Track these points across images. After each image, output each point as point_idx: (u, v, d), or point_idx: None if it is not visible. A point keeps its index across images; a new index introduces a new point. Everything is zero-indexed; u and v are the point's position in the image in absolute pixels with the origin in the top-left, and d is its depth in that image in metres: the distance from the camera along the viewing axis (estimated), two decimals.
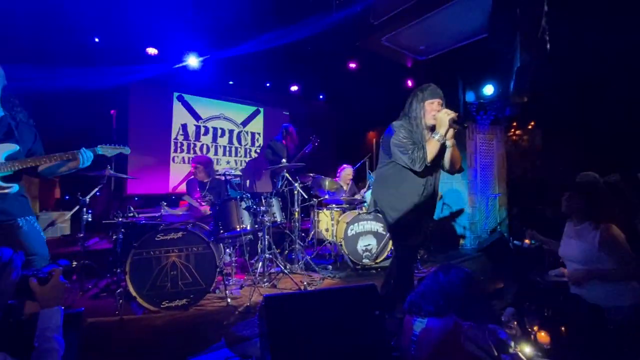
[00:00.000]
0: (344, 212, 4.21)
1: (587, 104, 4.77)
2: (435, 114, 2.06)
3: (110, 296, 2.82)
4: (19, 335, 1.18)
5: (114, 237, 2.83)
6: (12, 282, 1.17)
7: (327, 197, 4.27)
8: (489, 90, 5.04)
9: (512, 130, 6.52)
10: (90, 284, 2.88)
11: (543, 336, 1.73)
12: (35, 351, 1.13)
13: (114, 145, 2.07)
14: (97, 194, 3.09)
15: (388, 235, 3.86)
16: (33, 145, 1.88)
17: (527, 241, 4.76)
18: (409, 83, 5.81)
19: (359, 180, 4.93)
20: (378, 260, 3.82)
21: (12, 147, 1.76)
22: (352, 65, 5.66)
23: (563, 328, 1.80)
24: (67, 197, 4.62)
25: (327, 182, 4.27)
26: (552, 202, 5.40)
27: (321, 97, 6.92)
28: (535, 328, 1.73)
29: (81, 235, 2.85)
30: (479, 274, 2.32)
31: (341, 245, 3.79)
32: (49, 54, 4.31)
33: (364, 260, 3.77)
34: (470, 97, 5.14)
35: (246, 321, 2.35)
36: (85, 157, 1.88)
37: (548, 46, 3.83)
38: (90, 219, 2.89)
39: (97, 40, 4.50)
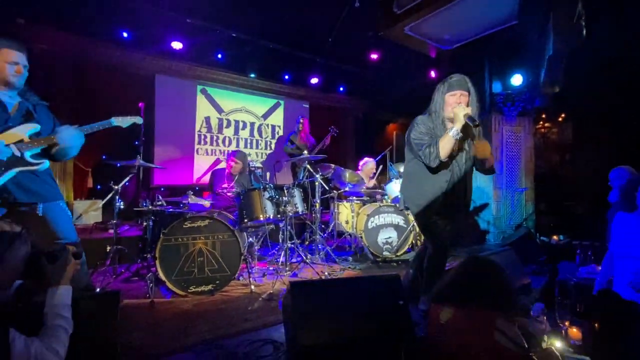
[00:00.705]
0: (364, 204, 4.20)
1: (623, 95, 4.51)
2: (454, 108, 1.99)
3: (141, 280, 2.96)
4: (30, 313, 1.19)
5: (144, 224, 2.96)
6: (21, 257, 1.16)
7: (347, 189, 4.26)
8: (517, 80, 4.83)
9: (541, 122, 6.26)
10: (123, 268, 3.03)
11: (575, 332, 1.68)
12: (44, 328, 1.14)
13: (127, 115, 2.12)
14: (127, 184, 3.22)
15: (409, 228, 3.83)
16: (53, 129, 1.95)
17: (555, 237, 4.61)
18: (432, 74, 5.67)
19: (379, 173, 4.90)
20: (399, 253, 3.80)
21: (34, 127, 1.85)
22: (374, 56, 5.57)
23: (596, 324, 1.74)
24: (98, 187, 4.85)
25: (347, 174, 4.26)
26: (582, 198, 5.18)
27: (341, 89, 6.87)
28: (567, 323, 1.68)
29: (114, 222, 2.99)
30: (505, 268, 2.27)
31: (361, 237, 3.79)
32: (83, 46, 4.51)
33: (384, 253, 3.76)
34: (497, 87, 4.96)
35: (270, 307, 2.41)
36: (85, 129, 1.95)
37: (584, 32, 3.63)
38: (122, 207, 3.02)
39: (125, 35, 4.65)
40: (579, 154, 5.81)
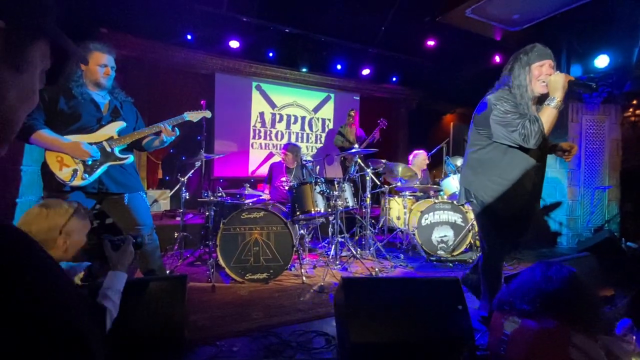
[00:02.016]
0: (417, 200, 4.04)
1: None
2: (546, 79, 1.71)
3: (203, 264, 3.22)
4: (90, 291, 1.30)
5: (206, 213, 3.19)
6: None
7: (399, 184, 4.13)
8: (602, 61, 4.19)
9: (631, 109, 5.38)
10: (188, 253, 3.32)
11: None
12: None
13: (197, 110, 2.26)
14: (191, 175, 3.50)
15: (467, 227, 3.59)
16: (136, 123, 2.19)
17: None
18: (497, 59, 5.18)
19: (434, 167, 4.66)
20: (455, 253, 3.60)
21: (121, 124, 2.07)
22: (430, 43, 5.26)
23: None
24: (167, 178, 5.35)
25: (400, 169, 4.12)
26: None
27: (394, 79, 6.62)
28: None
29: (181, 210, 3.28)
30: (584, 277, 1.99)
31: (414, 234, 3.66)
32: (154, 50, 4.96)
33: (439, 252, 3.59)
34: (576, 71, 4.36)
35: (321, 300, 2.46)
36: (170, 128, 2.09)
37: None
38: (187, 197, 3.30)
39: (189, 37, 4.99)
40: None
